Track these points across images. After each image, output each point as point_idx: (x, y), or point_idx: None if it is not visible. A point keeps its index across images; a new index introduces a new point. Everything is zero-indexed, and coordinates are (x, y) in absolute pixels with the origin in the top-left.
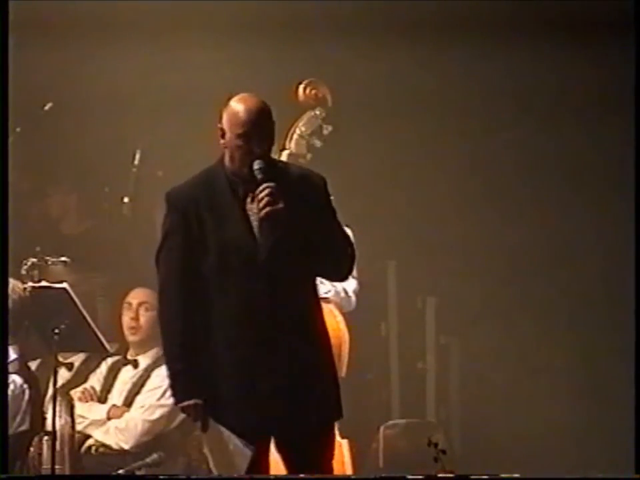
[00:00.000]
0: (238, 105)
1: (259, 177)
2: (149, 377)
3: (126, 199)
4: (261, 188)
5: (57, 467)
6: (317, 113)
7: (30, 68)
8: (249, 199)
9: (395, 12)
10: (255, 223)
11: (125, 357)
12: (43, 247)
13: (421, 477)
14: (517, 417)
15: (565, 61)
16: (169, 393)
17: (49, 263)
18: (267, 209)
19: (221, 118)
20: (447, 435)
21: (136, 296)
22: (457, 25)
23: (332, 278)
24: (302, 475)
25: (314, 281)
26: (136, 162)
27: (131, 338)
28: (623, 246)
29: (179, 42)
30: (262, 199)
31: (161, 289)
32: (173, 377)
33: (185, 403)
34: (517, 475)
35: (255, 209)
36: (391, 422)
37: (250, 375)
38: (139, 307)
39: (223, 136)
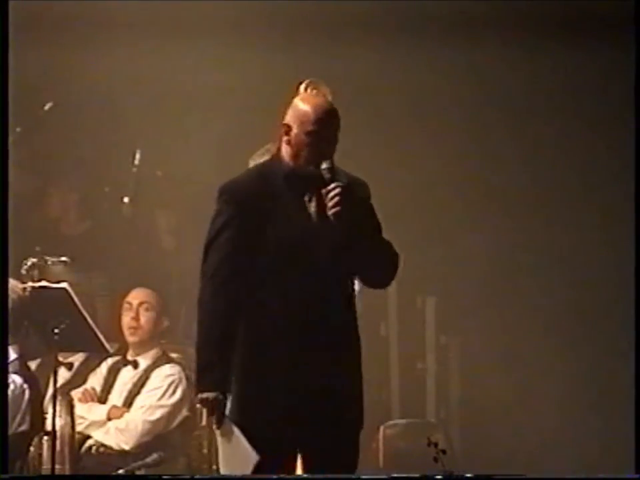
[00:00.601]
0: (308, 104)
1: (327, 176)
2: (148, 377)
3: (126, 199)
4: (331, 187)
5: (57, 466)
6: None
7: (30, 68)
8: (306, 198)
9: (396, 11)
10: (313, 222)
11: (125, 358)
12: (43, 246)
13: (419, 476)
14: (516, 417)
15: (564, 60)
16: (169, 393)
17: (49, 262)
18: (337, 208)
19: (283, 114)
20: (446, 435)
21: (136, 296)
22: (457, 24)
23: (375, 285)
24: (302, 475)
25: (353, 288)
26: (136, 162)
27: (131, 338)
28: (624, 246)
29: (180, 42)
30: (332, 197)
31: (208, 278)
32: (202, 366)
33: (206, 395)
34: (517, 475)
35: (314, 207)
36: (391, 422)
37: (284, 378)
38: (139, 307)
39: (287, 133)
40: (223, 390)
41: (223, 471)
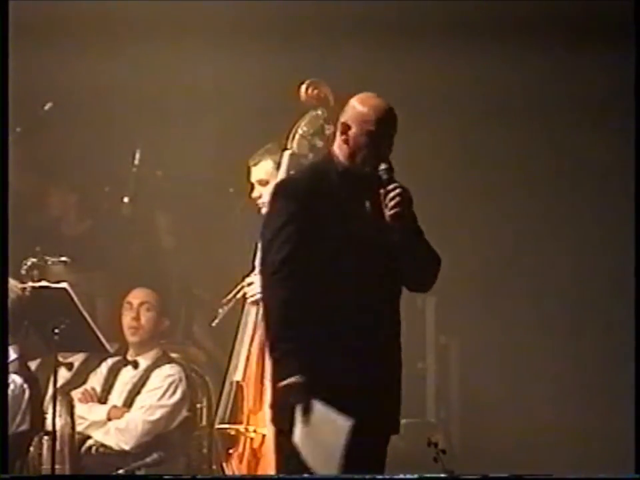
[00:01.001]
0: (368, 104)
1: (385, 177)
2: (148, 377)
3: (126, 199)
4: (391, 187)
5: (57, 466)
6: (319, 113)
7: (30, 68)
8: (362, 198)
9: (397, 12)
10: (367, 222)
11: (125, 358)
12: (43, 246)
13: (421, 477)
14: (516, 417)
15: (564, 61)
16: (169, 393)
17: (49, 262)
18: (397, 209)
19: (338, 114)
20: (446, 435)
21: (137, 296)
22: (458, 25)
23: (417, 288)
24: (302, 475)
25: (400, 289)
26: (136, 162)
27: (131, 338)
28: (624, 246)
29: (180, 42)
30: (393, 198)
31: (269, 275)
32: (280, 355)
33: (289, 380)
34: (516, 475)
35: (369, 207)
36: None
37: (340, 369)
38: (140, 306)
39: (345, 132)
40: (302, 374)
41: (314, 460)
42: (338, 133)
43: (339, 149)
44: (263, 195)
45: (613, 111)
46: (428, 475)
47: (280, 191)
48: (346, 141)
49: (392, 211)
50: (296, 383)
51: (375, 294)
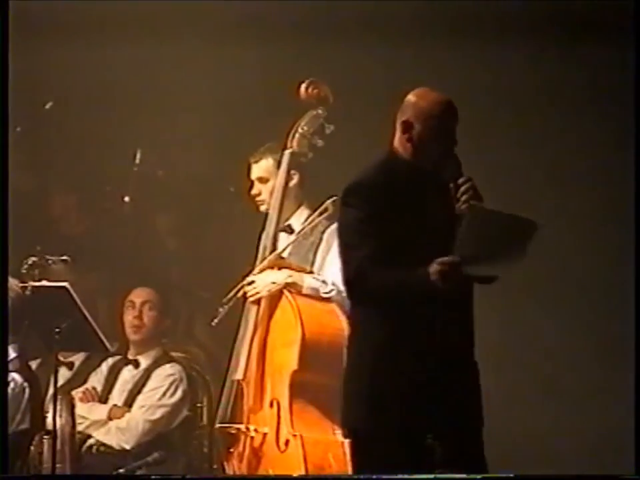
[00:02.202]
0: (428, 100)
1: (453, 170)
2: (149, 376)
3: (127, 198)
4: (462, 180)
5: (57, 465)
6: (319, 112)
7: (30, 67)
8: (430, 193)
9: (397, 11)
10: (432, 217)
11: (126, 357)
12: (44, 246)
13: (421, 477)
14: (515, 417)
15: (564, 60)
16: (169, 392)
17: (50, 262)
18: (470, 201)
19: (396, 112)
20: None
21: (139, 295)
22: (458, 24)
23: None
24: (302, 475)
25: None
26: (137, 161)
27: (133, 337)
28: (623, 245)
29: (181, 42)
30: (466, 191)
31: (350, 283)
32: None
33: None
34: (516, 475)
35: (439, 201)
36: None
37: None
38: (142, 306)
39: (407, 130)
40: None
41: None
42: (399, 132)
43: (402, 147)
44: (262, 192)
45: (613, 110)
46: (429, 475)
47: (348, 195)
48: (409, 139)
49: (465, 204)
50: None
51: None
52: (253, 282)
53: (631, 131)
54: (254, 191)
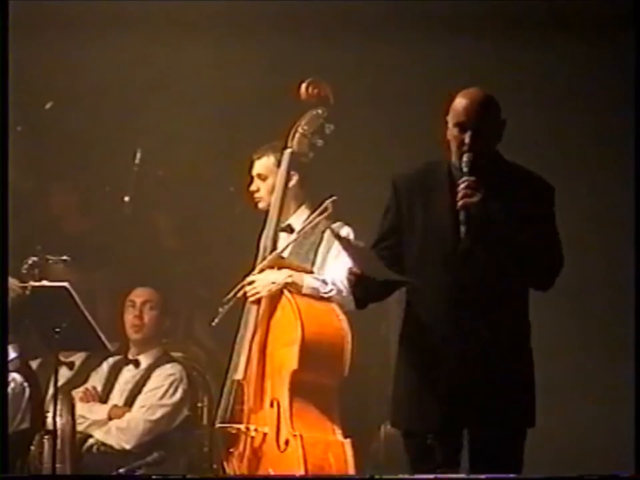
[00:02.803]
0: (461, 97)
1: (465, 169)
2: (149, 376)
3: (127, 198)
4: (461, 180)
5: (57, 465)
6: (319, 111)
7: (30, 67)
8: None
9: (398, 10)
10: (455, 214)
11: (126, 357)
12: (44, 245)
13: (421, 477)
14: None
15: (564, 60)
16: (170, 392)
17: (50, 261)
18: (461, 201)
19: (447, 111)
20: None
21: (140, 294)
22: (459, 22)
23: (534, 286)
24: (302, 475)
25: (518, 288)
26: (137, 161)
27: (134, 336)
28: (623, 245)
29: (181, 41)
30: (459, 191)
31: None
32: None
33: None
34: (515, 475)
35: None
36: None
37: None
38: (142, 305)
39: (447, 128)
40: None
41: None
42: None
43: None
44: (261, 189)
45: (613, 110)
46: (429, 476)
47: (395, 184)
48: (445, 137)
49: (458, 203)
50: None
51: (463, 292)
52: (252, 282)
53: (631, 131)
54: (252, 187)
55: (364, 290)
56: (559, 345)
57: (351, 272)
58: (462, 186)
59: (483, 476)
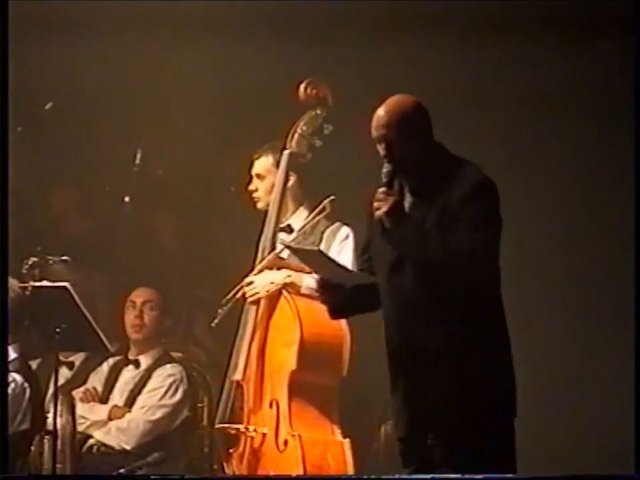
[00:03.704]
0: (380, 109)
1: (383, 180)
2: (150, 377)
3: (127, 199)
4: (378, 190)
5: (57, 466)
6: (318, 112)
7: (30, 67)
8: None
9: (396, 11)
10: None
11: (126, 357)
12: (44, 246)
13: (421, 477)
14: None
15: (564, 60)
16: (170, 393)
17: (50, 262)
18: (375, 213)
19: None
20: None
21: (140, 295)
22: (457, 23)
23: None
24: (302, 475)
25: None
26: (137, 161)
27: (134, 336)
28: (623, 244)
29: (181, 41)
30: (375, 202)
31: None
32: None
33: None
34: (513, 475)
35: None
36: (391, 421)
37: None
38: (143, 305)
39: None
40: None
41: None
42: None
43: None
44: (259, 188)
45: (613, 110)
46: (426, 476)
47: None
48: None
49: (375, 212)
50: None
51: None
52: (251, 282)
53: (631, 131)
54: (251, 187)
55: (335, 298)
56: (558, 345)
57: (319, 282)
58: (376, 197)
59: (480, 476)
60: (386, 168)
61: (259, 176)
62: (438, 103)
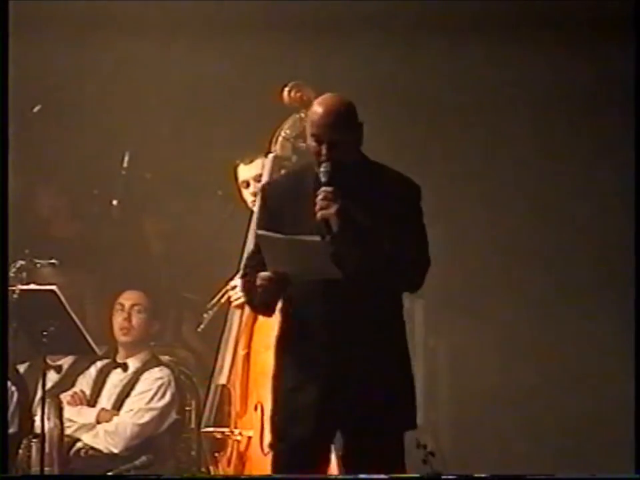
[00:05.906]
0: (317, 106)
1: (323, 179)
2: (138, 380)
3: (115, 202)
4: (319, 192)
5: (46, 469)
6: (302, 115)
7: (18, 70)
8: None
9: (387, 13)
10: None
11: (115, 360)
12: (32, 249)
13: (418, 476)
14: (507, 419)
15: (564, 60)
16: (158, 396)
17: (38, 265)
18: (319, 213)
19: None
20: (435, 437)
21: (128, 297)
22: (452, 25)
23: (405, 287)
24: (301, 475)
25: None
26: (125, 164)
27: (122, 338)
28: (623, 245)
29: (169, 44)
30: (317, 202)
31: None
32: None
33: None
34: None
35: None
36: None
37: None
38: (131, 308)
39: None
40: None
41: None
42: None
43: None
44: (244, 193)
45: (613, 110)
46: (430, 475)
47: (262, 192)
48: (307, 146)
49: (316, 215)
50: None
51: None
52: (236, 286)
53: (631, 132)
54: (251, 190)
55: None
56: (558, 345)
57: (264, 277)
58: (319, 197)
59: (476, 475)
60: (324, 167)
61: (256, 177)
62: (429, 105)
